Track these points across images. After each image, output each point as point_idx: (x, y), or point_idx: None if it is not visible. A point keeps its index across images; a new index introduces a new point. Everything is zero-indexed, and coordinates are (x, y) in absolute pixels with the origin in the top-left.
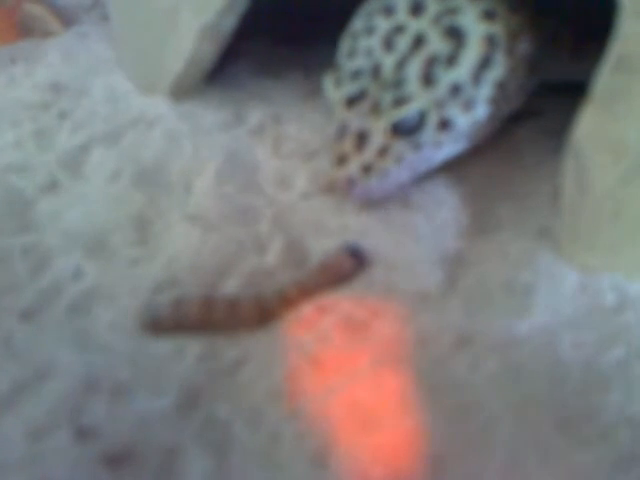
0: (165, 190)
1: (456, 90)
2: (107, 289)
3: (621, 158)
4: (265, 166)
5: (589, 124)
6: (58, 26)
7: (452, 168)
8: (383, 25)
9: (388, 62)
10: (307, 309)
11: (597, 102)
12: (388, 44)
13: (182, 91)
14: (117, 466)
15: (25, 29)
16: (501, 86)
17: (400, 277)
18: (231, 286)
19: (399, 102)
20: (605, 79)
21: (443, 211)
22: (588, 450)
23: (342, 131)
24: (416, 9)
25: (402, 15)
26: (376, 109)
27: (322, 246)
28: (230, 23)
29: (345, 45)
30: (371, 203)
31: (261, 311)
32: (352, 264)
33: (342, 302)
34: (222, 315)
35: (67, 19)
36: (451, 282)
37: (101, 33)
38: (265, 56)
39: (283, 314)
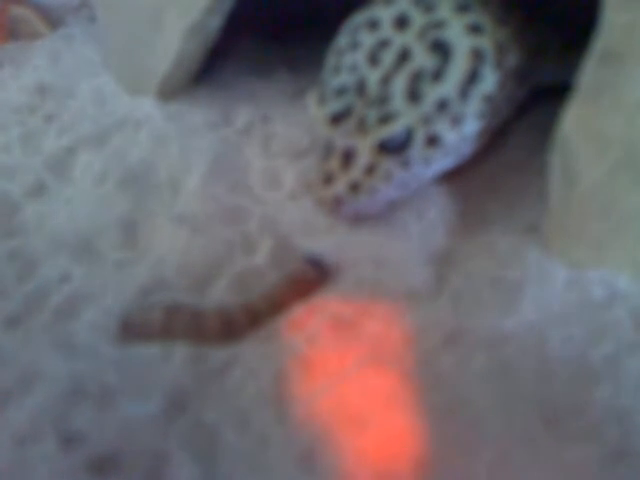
0: (152, 191)
1: (443, 105)
2: (94, 293)
3: (607, 152)
4: (253, 166)
5: (575, 118)
6: (45, 28)
7: None
8: (368, 40)
9: (373, 78)
10: (296, 309)
11: (583, 95)
12: (373, 59)
13: (169, 92)
14: (103, 472)
15: (12, 31)
16: (490, 100)
17: (389, 275)
18: (220, 287)
19: (385, 119)
20: (590, 72)
21: (431, 209)
22: (577, 446)
23: (328, 149)
24: (401, 23)
25: (387, 29)
26: (362, 127)
27: (311, 246)
28: (216, 22)
29: (330, 61)
30: (361, 221)
31: (225, 326)
32: (316, 274)
33: (331, 301)
34: (184, 326)
35: (54, 21)
36: (440, 280)
37: (88, 35)
38: (253, 56)
39: (252, 330)
